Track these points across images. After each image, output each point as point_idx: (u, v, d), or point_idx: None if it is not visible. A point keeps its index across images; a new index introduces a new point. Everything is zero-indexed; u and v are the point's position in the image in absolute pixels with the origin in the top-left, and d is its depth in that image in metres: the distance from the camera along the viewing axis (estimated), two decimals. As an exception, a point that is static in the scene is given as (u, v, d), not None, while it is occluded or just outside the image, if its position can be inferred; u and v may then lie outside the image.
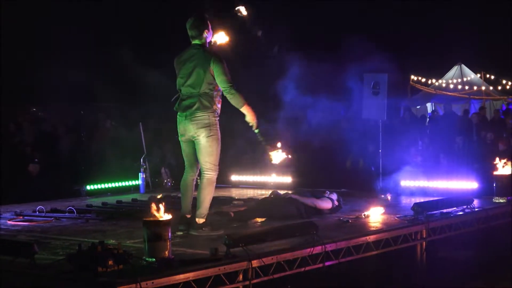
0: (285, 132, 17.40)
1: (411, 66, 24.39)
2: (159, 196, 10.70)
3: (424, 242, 8.83)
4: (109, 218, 9.44)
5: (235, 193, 12.27)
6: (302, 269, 7.19)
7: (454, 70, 24.37)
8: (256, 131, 8.33)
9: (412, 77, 23.98)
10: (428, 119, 19.95)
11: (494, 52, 25.26)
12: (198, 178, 8.38)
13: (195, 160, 8.22)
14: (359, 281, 8.30)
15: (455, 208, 9.67)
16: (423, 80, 24.31)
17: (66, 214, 9.65)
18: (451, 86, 23.68)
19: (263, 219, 9.16)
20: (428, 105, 23.68)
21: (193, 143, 8.14)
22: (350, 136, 16.52)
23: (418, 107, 23.44)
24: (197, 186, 8.30)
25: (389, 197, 9.42)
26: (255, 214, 9.36)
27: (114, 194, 12.15)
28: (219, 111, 8.14)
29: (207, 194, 8.14)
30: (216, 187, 12.72)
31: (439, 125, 18.65)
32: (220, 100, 8.17)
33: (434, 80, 24.34)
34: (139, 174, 12.52)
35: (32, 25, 28.89)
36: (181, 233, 8.00)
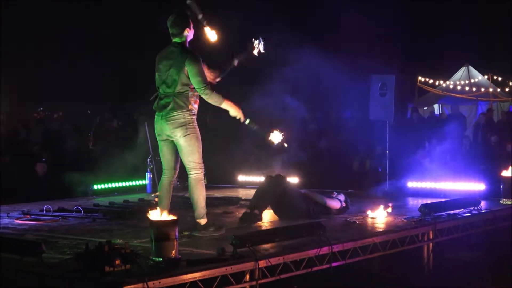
0: (291, 133, 17.46)
1: (418, 67, 24.37)
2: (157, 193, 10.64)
3: (431, 244, 8.83)
4: (116, 217, 9.45)
5: (242, 193, 12.27)
6: (309, 270, 7.19)
7: (462, 71, 24.31)
8: (247, 121, 8.23)
9: (420, 78, 23.95)
10: (435, 120, 19.92)
11: (502, 53, 25.22)
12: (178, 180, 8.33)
13: (173, 161, 8.10)
14: (365, 282, 8.30)
15: (462, 209, 9.66)
16: (431, 81, 24.27)
17: (73, 213, 9.66)
18: (459, 87, 23.62)
19: (271, 220, 9.14)
20: (436, 106, 23.63)
21: (171, 144, 8.02)
22: (357, 137, 16.55)
23: (425, 108, 23.40)
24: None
25: (390, 209, 9.35)
26: (267, 202, 9.32)
27: (121, 193, 12.16)
28: (195, 111, 8.01)
29: (199, 194, 8.01)
30: (223, 188, 12.90)
31: (446, 126, 18.65)
32: (197, 100, 8.03)
33: (441, 82, 24.29)
34: (146, 173, 12.52)
35: (37, 23, 29.02)
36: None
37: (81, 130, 17.73)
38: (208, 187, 13.04)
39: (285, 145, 8.81)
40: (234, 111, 8.09)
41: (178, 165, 8.20)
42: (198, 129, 7.97)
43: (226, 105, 8.02)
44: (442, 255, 9.13)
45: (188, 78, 7.83)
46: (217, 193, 12.16)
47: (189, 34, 8.04)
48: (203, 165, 8.04)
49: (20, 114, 19.60)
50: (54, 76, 29.20)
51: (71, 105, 25.25)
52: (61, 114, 22.07)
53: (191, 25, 8.05)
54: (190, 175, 7.98)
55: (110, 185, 12.42)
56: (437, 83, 24.36)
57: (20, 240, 7.33)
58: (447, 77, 24.41)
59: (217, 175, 13.68)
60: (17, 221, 9.24)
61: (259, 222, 9.00)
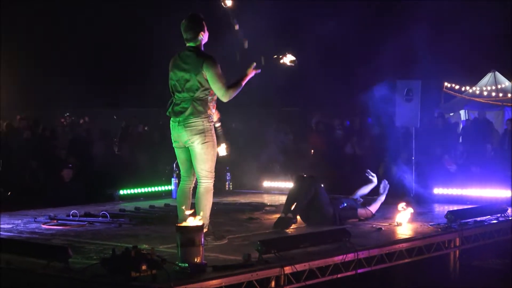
0: (317, 139, 17.46)
1: (444, 72, 24.25)
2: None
3: (457, 251, 8.78)
4: (142, 223, 9.47)
5: (267, 199, 12.26)
6: (335, 276, 7.18)
7: (488, 77, 24.17)
8: (254, 64, 7.92)
9: (446, 83, 23.83)
10: (461, 126, 19.84)
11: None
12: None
13: (191, 167, 7.92)
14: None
15: (489, 216, 9.59)
16: (457, 87, 24.14)
17: (100, 218, 9.68)
18: (485, 93, 23.48)
19: (296, 226, 9.13)
20: (462, 112, 23.52)
21: (187, 150, 7.86)
22: (383, 142, 16.49)
23: (451, 114, 23.28)
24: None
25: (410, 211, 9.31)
26: (301, 204, 9.25)
27: (146, 199, 12.18)
28: (214, 115, 7.89)
29: (206, 203, 7.81)
30: (248, 193, 12.90)
31: (472, 132, 18.55)
32: (215, 104, 7.91)
33: (467, 87, 24.16)
34: (172, 179, 12.51)
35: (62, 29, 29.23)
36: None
37: (107, 136, 17.82)
38: (233, 193, 13.17)
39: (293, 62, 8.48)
40: (249, 77, 7.90)
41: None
42: (215, 136, 7.84)
43: (244, 82, 7.85)
44: (469, 262, 9.08)
45: (207, 82, 7.69)
46: (242, 199, 12.16)
47: (203, 37, 7.87)
48: (214, 174, 7.89)
49: (47, 119, 19.72)
50: (80, 81, 29.42)
51: (97, 111, 25.40)
52: (87, 119, 22.17)
53: (205, 28, 7.87)
54: (201, 183, 7.81)
55: (136, 191, 12.45)
56: (463, 88, 24.23)
57: (47, 245, 7.37)
58: (474, 82, 24.27)
59: (242, 181, 13.71)
60: (44, 226, 9.29)
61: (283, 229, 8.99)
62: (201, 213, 7.54)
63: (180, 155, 7.99)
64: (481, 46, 26.68)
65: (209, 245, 7.57)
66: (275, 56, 8.29)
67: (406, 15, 28.38)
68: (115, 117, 24.20)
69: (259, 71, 7.97)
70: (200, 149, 7.71)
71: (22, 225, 9.39)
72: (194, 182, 8.05)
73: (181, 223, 7.65)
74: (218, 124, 8.13)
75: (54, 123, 18.70)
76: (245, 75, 7.87)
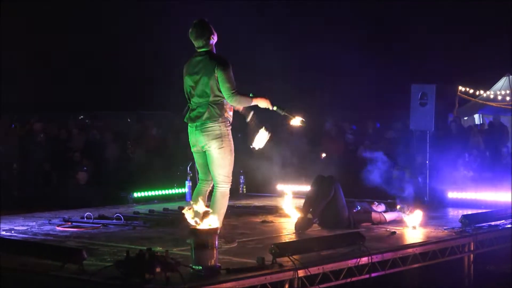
0: (330, 142, 17.46)
1: (459, 76, 24.22)
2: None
3: (472, 255, 8.74)
4: (156, 225, 9.49)
5: (280, 202, 12.22)
6: (348, 280, 7.17)
7: (503, 81, 24.09)
8: (275, 108, 8.00)
9: (460, 87, 23.77)
10: (476, 130, 19.78)
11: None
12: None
13: (209, 171, 7.91)
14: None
15: (503, 220, 9.55)
16: (471, 91, 24.07)
17: (114, 221, 9.71)
18: (499, 97, 23.41)
19: (310, 229, 9.12)
20: (476, 116, 23.47)
21: (205, 154, 7.84)
22: (397, 146, 16.47)
23: (465, 118, 23.24)
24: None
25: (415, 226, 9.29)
26: (321, 204, 9.24)
27: (160, 201, 12.20)
28: (231, 119, 7.87)
29: (221, 208, 7.78)
30: (262, 196, 12.88)
31: (487, 136, 18.50)
32: (232, 107, 7.88)
33: (482, 91, 24.09)
34: (186, 182, 12.52)
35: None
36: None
37: (121, 138, 17.86)
38: (247, 196, 13.18)
39: (303, 123, 8.39)
40: (263, 103, 7.89)
41: None
42: (232, 141, 7.81)
43: (256, 101, 7.85)
44: (483, 267, 9.04)
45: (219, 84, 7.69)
46: (256, 202, 12.17)
47: (214, 40, 7.84)
48: (231, 178, 7.87)
49: (61, 122, 19.75)
50: (93, 84, 29.52)
51: (111, 114, 25.44)
52: (99, 122, 22.21)
53: (213, 30, 7.82)
54: (218, 188, 7.80)
55: (149, 193, 12.46)
56: (477, 92, 24.16)
57: (62, 247, 7.41)
58: (488, 86, 24.20)
59: (256, 184, 13.71)
60: (58, 228, 9.32)
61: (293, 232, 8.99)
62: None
63: (198, 159, 7.98)
64: (495, 49, 26.65)
65: (220, 248, 7.60)
66: (285, 114, 8.21)
67: (417, 21, 28.45)
68: (129, 119, 24.21)
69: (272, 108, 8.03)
70: (217, 154, 7.70)
71: (36, 227, 9.43)
72: (211, 185, 8.03)
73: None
74: (250, 117, 8.10)
75: (68, 126, 18.68)
76: (262, 98, 7.90)
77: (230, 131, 7.81)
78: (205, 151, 7.82)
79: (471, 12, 28.64)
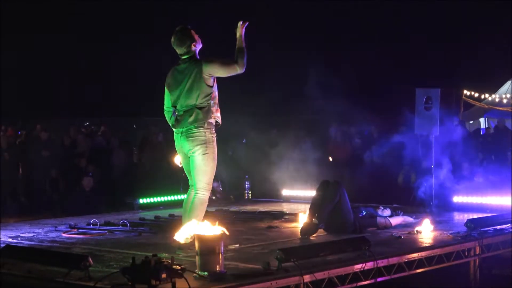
0: (336, 147, 17.47)
1: (464, 80, 24.23)
2: None
3: (477, 259, 8.74)
4: (162, 231, 9.49)
5: (286, 207, 12.26)
6: (354, 285, 7.17)
7: (508, 85, 24.09)
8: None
9: (465, 92, 23.76)
10: (481, 134, 19.78)
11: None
12: None
13: None
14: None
15: (509, 224, 9.54)
16: (476, 95, 24.07)
17: (120, 227, 9.73)
18: (505, 101, 23.40)
19: (316, 235, 9.12)
20: (481, 120, 23.45)
21: (189, 160, 7.89)
22: (403, 151, 16.46)
23: (471, 122, 23.23)
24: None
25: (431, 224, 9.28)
26: (327, 209, 9.22)
27: (166, 207, 12.20)
28: (220, 120, 7.87)
29: (198, 214, 7.78)
30: (268, 202, 12.90)
31: (492, 140, 18.48)
32: (218, 108, 7.88)
33: (487, 95, 24.09)
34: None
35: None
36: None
37: (127, 145, 17.89)
38: (252, 202, 13.19)
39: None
40: (241, 31, 7.80)
41: None
42: (216, 148, 7.83)
43: (242, 43, 7.76)
44: (489, 271, 9.03)
45: (209, 86, 7.70)
46: (262, 207, 12.17)
47: (197, 47, 7.88)
48: (211, 186, 7.90)
49: (66, 128, 19.80)
50: (99, 91, 29.58)
51: (116, 120, 25.51)
52: (104, 128, 22.24)
53: (196, 37, 7.85)
54: (197, 194, 7.83)
55: (155, 199, 12.48)
56: (482, 96, 24.15)
57: (68, 253, 7.42)
58: (493, 90, 24.19)
59: (261, 189, 13.72)
60: (64, 235, 9.34)
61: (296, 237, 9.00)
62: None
63: (186, 166, 8.02)
64: (500, 53, 26.67)
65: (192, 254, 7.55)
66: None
67: (424, 26, 28.44)
68: (134, 126, 24.25)
69: (247, 23, 7.92)
70: (201, 160, 7.75)
71: (43, 234, 9.46)
72: None
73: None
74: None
75: (74, 132, 18.73)
76: (239, 36, 7.82)
77: (215, 138, 7.83)
78: (189, 158, 7.86)
79: (475, 15, 28.69)
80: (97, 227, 9.73)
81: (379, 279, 7.40)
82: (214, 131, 7.83)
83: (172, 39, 7.86)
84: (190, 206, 7.87)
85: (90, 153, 16.70)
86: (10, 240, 8.86)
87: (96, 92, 29.60)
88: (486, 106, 23.57)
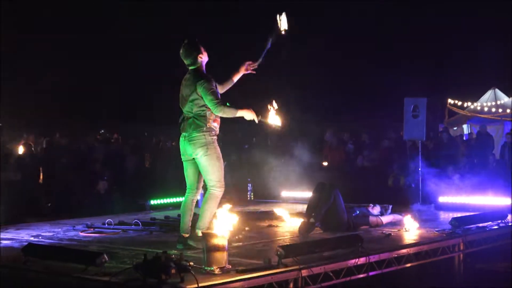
0: (332, 152, 17.46)
1: (448, 90, 24.27)
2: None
3: (461, 254, 8.75)
4: (171, 230, 9.48)
5: (285, 208, 12.23)
6: (348, 279, 7.17)
7: (488, 94, 24.10)
8: (259, 118, 7.78)
9: (449, 100, 23.78)
10: (464, 140, 19.77)
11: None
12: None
13: (195, 181, 7.93)
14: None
15: (490, 222, 9.56)
16: (459, 103, 24.09)
17: (132, 226, 9.73)
18: (486, 109, 23.41)
19: (313, 233, 9.12)
20: (464, 126, 23.45)
21: (193, 164, 7.86)
22: (392, 155, 16.47)
23: (455, 128, 23.22)
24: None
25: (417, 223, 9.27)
26: (323, 209, 9.21)
27: (175, 208, 12.16)
28: (217, 130, 7.82)
29: (208, 208, 7.78)
30: (268, 202, 12.89)
31: (475, 145, 18.48)
32: (217, 119, 7.82)
33: (469, 103, 24.11)
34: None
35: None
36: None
37: (138, 150, 17.89)
38: (254, 202, 13.18)
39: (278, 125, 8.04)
40: (249, 115, 7.76)
41: (201, 185, 8.06)
42: (218, 148, 7.80)
43: (241, 113, 7.73)
44: (472, 265, 9.03)
45: (202, 98, 7.68)
46: (263, 208, 12.16)
47: (203, 59, 7.86)
48: (223, 183, 7.84)
49: (83, 135, 19.83)
50: (115, 99, 29.59)
51: (130, 127, 25.51)
52: (118, 136, 22.26)
53: (202, 49, 7.84)
54: (210, 190, 7.81)
55: (165, 201, 12.47)
56: (465, 105, 24.16)
57: (85, 251, 7.41)
58: (475, 99, 24.20)
59: (263, 191, 13.72)
60: (81, 234, 9.34)
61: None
62: (203, 218, 7.76)
63: (186, 168, 7.99)
64: (482, 65, 26.72)
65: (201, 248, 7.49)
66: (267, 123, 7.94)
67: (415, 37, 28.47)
68: (146, 133, 24.23)
69: (252, 68, 8.01)
70: (205, 161, 7.72)
71: (62, 233, 9.46)
72: (198, 195, 8.06)
73: (183, 233, 7.88)
74: (259, 118, 7.81)
75: (90, 139, 18.75)
76: (247, 109, 7.73)
77: (215, 140, 7.81)
78: (194, 161, 7.85)
79: (459, 31, 28.77)
80: (111, 227, 9.73)
81: (371, 273, 7.40)
82: (214, 134, 7.79)
83: (181, 51, 7.88)
84: (203, 201, 7.85)
85: (104, 158, 16.69)
86: (32, 238, 8.87)
87: (110, 101, 29.62)
88: (469, 114, 23.59)
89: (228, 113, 7.67)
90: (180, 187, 13.24)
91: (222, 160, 7.83)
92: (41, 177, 15.84)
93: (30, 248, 7.35)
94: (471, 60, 28.03)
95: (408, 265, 7.98)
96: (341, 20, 28.26)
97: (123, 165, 16.40)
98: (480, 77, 25.99)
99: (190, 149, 7.78)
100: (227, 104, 7.67)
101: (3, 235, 9.11)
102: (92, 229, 9.68)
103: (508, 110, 23.17)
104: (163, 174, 15.63)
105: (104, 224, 9.93)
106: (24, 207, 13.03)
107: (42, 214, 12.94)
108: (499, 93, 24.06)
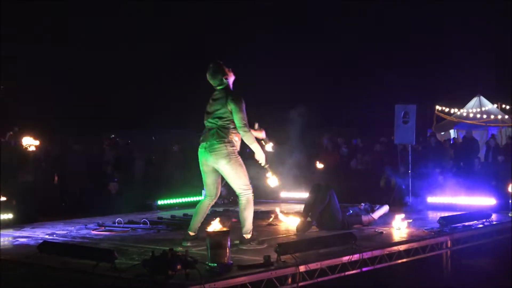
0: (327, 156, 17.45)
1: (436, 98, 24.32)
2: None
3: (449, 251, 8.73)
4: (177, 228, 9.48)
5: (284, 207, 12.22)
6: (342, 274, 7.16)
7: (474, 101, 24.14)
8: (266, 166, 7.97)
9: (437, 107, 23.81)
10: (451, 144, 19.79)
11: (510, 85, 25.16)
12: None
13: (214, 188, 7.89)
14: (392, 285, 8.23)
15: (475, 221, 9.55)
16: (447, 110, 24.12)
17: (141, 225, 9.72)
18: (471, 115, 23.45)
19: (310, 231, 9.10)
20: (452, 131, 23.47)
21: (213, 173, 7.79)
22: (384, 158, 16.46)
23: (442, 133, 23.24)
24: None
25: (410, 221, 9.26)
26: (319, 209, 9.20)
27: (181, 208, 12.19)
28: (238, 143, 7.76)
29: (249, 213, 7.76)
30: (266, 203, 12.87)
31: (461, 149, 18.49)
32: (239, 134, 7.76)
33: (456, 110, 24.14)
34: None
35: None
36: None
37: (147, 154, 17.89)
38: (254, 202, 13.12)
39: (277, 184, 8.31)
40: (260, 155, 7.82)
41: (219, 192, 8.02)
42: (239, 157, 7.73)
43: (256, 147, 7.76)
44: (459, 261, 9.02)
45: (231, 114, 7.64)
46: (263, 208, 12.14)
47: (229, 80, 7.81)
48: (250, 186, 7.80)
49: (95, 140, 19.84)
50: (122, 105, 29.61)
51: (139, 133, 25.53)
52: (130, 141, 22.26)
53: (227, 71, 7.79)
54: (241, 197, 7.74)
55: (171, 201, 12.46)
56: (452, 111, 24.19)
57: (96, 248, 7.43)
58: (461, 106, 24.24)
59: (262, 192, 13.70)
60: (93, 232, 9.34)
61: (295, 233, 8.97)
62: (246, 223, 7.73)
63: (207, 177, 7.91)
64: (467, 74, 26.78)
65: (252, 249, 7.60)
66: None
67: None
68: (153, 138, 24.22)
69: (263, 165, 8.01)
70: (229, 170, 7.64)
71: (75, 231, 9.45)
72: (213, 201, 8.03)
73: (190, 231, 7.87)
74: (266, 166, 8.01)
75: (101, 144, 18.73)
76: (262, 151, 7.89)
77: (236, 151, 7.73)
78: (213, 171, 7.79)
79: (447, 44, 28.86)
80: (121, 225, 9.72)
81: (364, 269, 7.40)
82: (234, 146, 7.71)
83: (207, 74, 7.81)
84: (240, 209, 7.78)
85: (115, 161, 16.69)
86: (47, 236, 8.87)
87: (120, 108, 29.65)
88: (456, 120, 23.62)
89: (248, 139, 7.70)
90: (185, 188, 13.30)
91: (244, 166, 7.76)
92: (56, 179, 15.84)
93: (45, 245, 7.36)
94: (457, 70, 28.13)
95: (399, 261, 7.97)
96: (339, 37, 28.33)
97: (132, 168, 16.40)
98: (466, 85, 26.07)
99: (212, 160, 7.67)
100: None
101: (20, 234, 9.11)
102: (103, 228, 9.68)
103: (492, 116, 23.22)
104: (169, 176, 15.63)
105: (114, 223, 9.92)
106: (39, 207, 13.02)
107: (57, 213, 12.93)
108: (484, 100, 24.10)
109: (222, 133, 7.64)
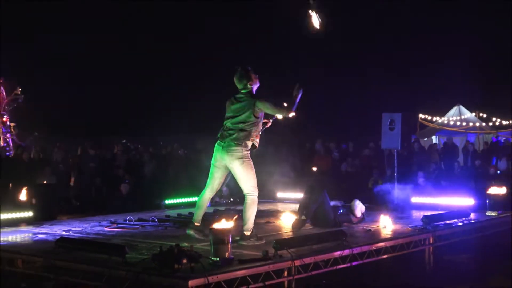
0: (320, 159, 17.45)
1: (420, 107, 24.38)
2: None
3: (431, 247, 8.72)
4: (183, 226, 9.45)
5: (280, 207, 12.21)
6: (334, 268, 7.16)
7: (454, 109, 24.22)
8: (297, 86, 7.74)
9: (421, 115, 23.85)
10: (433, 149, 19.79)
11: (487, 95, 25.31)
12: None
13: (219, 184, 7.89)
14: (378, 278, 8.22)
15: (456, 220, 9.55)
16: (429, 118, 24.17)
17: (150, 222, 9.71)
18: (451, 122, 23.51)
19: (304, 228, 9.10)
20: (433, 137, 23.50)
21: (223, 169, 7.77)
22: (372, 162, 16.46)
23: (425, 139, 23.26)
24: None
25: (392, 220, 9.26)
26: (313, 208, 9.19)
27: (186, 207, 12.15)
28: (256, 143, 7.72)
29: (252, 213, 7.75)
30: (265, 202, 12.86)
31: (442, 154, 18.50)
32: (258, 135, 7.77)
33: (438, 118, 24.19)
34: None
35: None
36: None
37: (155, 157, 17.89)
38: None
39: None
40: (295, 93, 7.73)
41: (219, 187, 8.01)
42: (251, 161, 7.71)
43: (294, 99, 7.71)
44: (441, 257, 9.02)
45: (256, 117, 7.61)
46: (261, 207, 12.10)
47: (253, 86, 7.74)
48: (256, 188, 7.78)
49: (109, 144, 19.85)
50: (135, 114, 29.62)
51: (147, 138, 25.55)
52: (139, 146, 22.28)
53: (253, 77, 7.72)
54: (248, 197, 7.72)
55: (178, 200, 12.44)
56: (434, 119, 24.24)
57: (109, 243, 7.41)
58: (443, 114, 24.29)
59: (261, 192, 13.69)
60: (106, 229, 9.30)
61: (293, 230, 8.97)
62: (248, 221, 7.71)
63: (215, 172, 7.87)
64: (448, 85, 26.87)
65: (251, 244, 7.59)
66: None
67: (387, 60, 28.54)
68: (161, 142, 24.24)
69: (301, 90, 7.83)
70: (241, 172, 7.63)
71: (89, 228, 9.42)
72: (213, 194, 8.05)
73: (195, 222, 7.91)
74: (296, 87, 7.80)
75: (113, 148, 18.74)
76: (295, 96, 7.76)
77: (249, 154, 7.71)
78: (223, 168, 7.78)
79: (429, 53, 28.90)
80: (132, 223, 9.70)
81: (354, 263, 7.40)
82: (248, 150, 7.68)
83: (234, 76, 7.76)
84: (244, 207, 7.77)
85: (126, 165, 16.69)
86: (63, 233, 8.84)
87: (130, 116, 29.69)
88: (437, 127, 23.65)
89: (294, 106, 7.69)
90: (190, 189, 13.29)
91: (254, 170, 7.72)
92: (72, 180, 15.84)
93: (62, 241, 7.35)
94: (439, 81, 28.22)
95: (386, 256, 7.97)
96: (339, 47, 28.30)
97: (142, 171, 16.40)
98: (446, 95, 26.14)
99: (227, 159, 7.64)
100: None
101: (39, 230, 9.10)
102: (115, 225, 9.64)
103: (471, 124, 23.31)
104: (175, 177, 15.62)
105: (125, 220, 9.89)
106: (57, 206, 13.03)
107: (73, 211, 12.94)
108: (463, 109, 24.21)
109: (241, 136, 7.61)
